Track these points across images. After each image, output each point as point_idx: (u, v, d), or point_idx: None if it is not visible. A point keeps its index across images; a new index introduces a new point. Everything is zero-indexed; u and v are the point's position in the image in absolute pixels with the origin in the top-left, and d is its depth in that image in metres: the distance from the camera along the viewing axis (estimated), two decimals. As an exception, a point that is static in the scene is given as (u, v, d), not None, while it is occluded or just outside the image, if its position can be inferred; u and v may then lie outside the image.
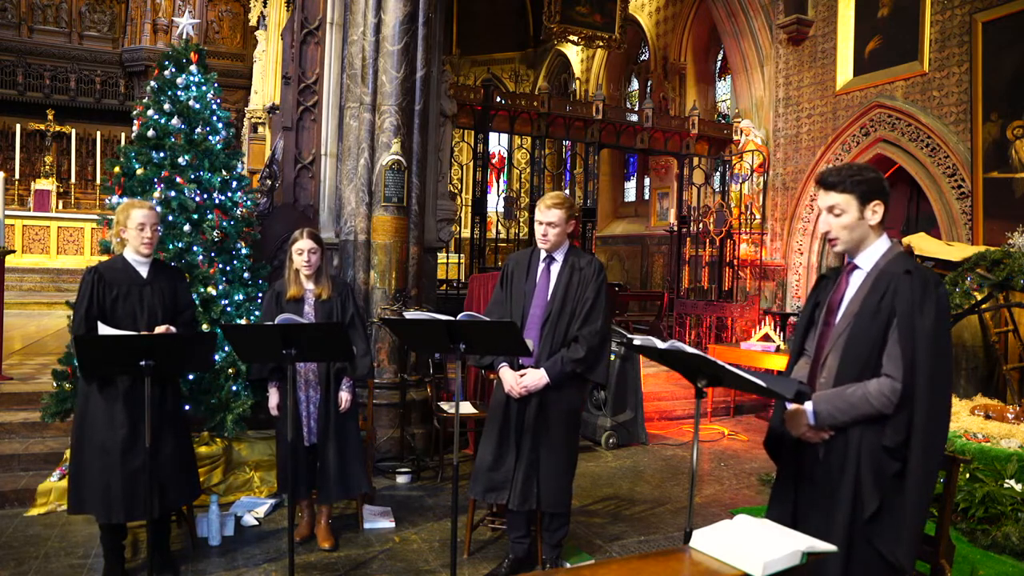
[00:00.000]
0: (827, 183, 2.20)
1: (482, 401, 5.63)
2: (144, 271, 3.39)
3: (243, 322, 4.51)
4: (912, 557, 2.07)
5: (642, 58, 14.11)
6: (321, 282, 3.77)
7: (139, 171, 4.48)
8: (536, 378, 3.29)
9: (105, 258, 3.81)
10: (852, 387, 2.13)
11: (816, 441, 2.21)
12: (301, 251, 3.69)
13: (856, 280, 2.23)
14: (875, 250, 2.21)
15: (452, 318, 2.95)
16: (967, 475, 4.15)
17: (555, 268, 3.41)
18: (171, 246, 4.43)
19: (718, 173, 10.58)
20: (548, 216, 3.32)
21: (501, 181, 14.73)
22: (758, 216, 9.61)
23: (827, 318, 2.28)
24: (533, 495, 3.34)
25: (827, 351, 2.24)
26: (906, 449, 2.05)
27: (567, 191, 12.69)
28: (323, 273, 3.81)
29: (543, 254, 3.43)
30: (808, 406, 2.18)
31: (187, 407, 3.90)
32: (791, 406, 2.24)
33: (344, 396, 3.78)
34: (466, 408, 5.17)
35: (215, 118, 4.77)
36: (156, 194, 4.43)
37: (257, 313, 4.68)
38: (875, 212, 2.16)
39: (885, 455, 2.07)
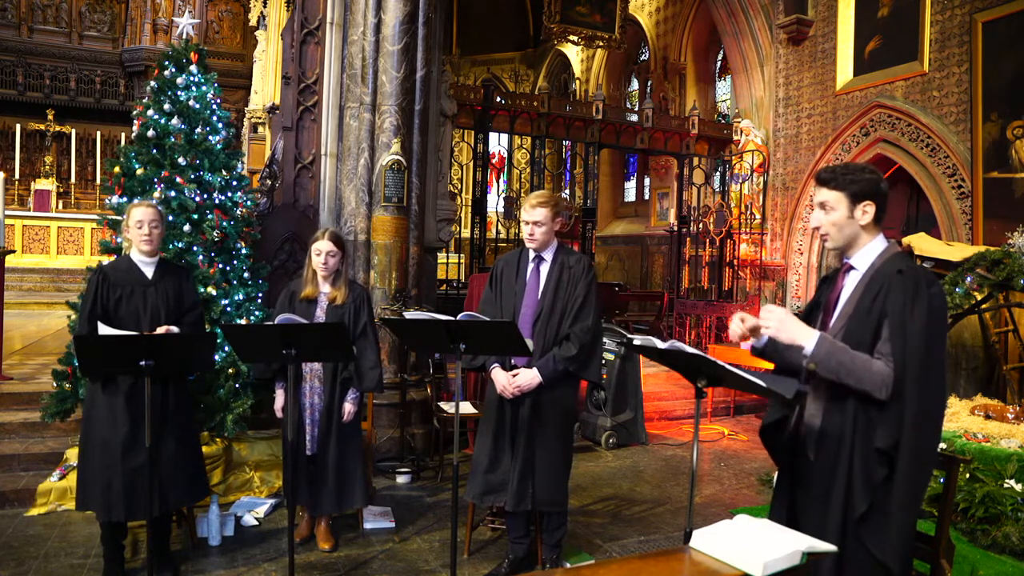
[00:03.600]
0: (821, 179, 2.22)
1: (482, 401, 5.62)
2: (149, 272, 3.37)
3: (243, 322, 4.51)
4: (900, 557, 2.06)
5: (642, 58, 14.11)
6: (337, 285, 3.71)
7: (139, 171, 4.48)
8: (529, 378, 3.28)
9: (108, 258, 3.80)
10: (862, 353, 2.06)
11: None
12: (319, 252, 3.65)
13: (851, 281, 2.22)
14: (870, 250, 2.20)
15: (452, 318, 2.95)
16: (967, 475, 4.15)
17: (544, 267, 3.41)
18: (171, 246, 4.43)
19: (718, 173, 10.58)
20: (533, 215, 3.31)
21: (501, 181, 14.73)
22: (758, 216, 9.61)
23: (824, 319, 2.27)
24: (528, 495, 3.33)
25: None
26: (897, 450, 2.04)
27: (567, 191, 12.70)
28: (341, 277, 3.74)
29: (532, 254, 3.43)
30: (811, 340, 2.09)
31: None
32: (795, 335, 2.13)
33: (348, 408, 3.73)
34: (466, 408, 5.17)
35: (215, 118, 4.77)
36: (156, 194, 4.43)
37: (257, 313, 4.69)
38: (865, 212, 2.15)
39: (876, 456, 2.06)
